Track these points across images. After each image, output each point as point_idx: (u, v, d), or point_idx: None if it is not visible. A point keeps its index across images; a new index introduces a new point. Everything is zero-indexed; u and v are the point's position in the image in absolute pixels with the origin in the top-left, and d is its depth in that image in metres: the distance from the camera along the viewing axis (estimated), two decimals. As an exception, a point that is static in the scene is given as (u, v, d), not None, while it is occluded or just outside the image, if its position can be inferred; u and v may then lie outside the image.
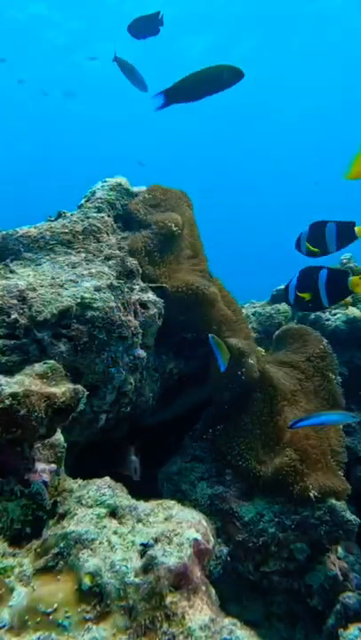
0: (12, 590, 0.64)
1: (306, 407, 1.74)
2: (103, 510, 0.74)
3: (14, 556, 0.71)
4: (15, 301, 1.24)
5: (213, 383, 1.70)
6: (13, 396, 0.75)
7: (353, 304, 2.38)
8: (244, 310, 2.73)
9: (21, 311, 1.23)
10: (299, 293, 1.41)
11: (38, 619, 0.59)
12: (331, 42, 13.48)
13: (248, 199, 22.27)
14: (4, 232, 1.58)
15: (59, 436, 0.93)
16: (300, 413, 1.69)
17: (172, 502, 0.76)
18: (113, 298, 1.37)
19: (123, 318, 1.37)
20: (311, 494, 1.47)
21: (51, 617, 0.59)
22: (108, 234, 1.67)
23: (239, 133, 18.49)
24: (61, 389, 0.83)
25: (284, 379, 1.80)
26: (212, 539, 0.71)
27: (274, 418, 1.66)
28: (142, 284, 1.58)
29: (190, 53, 13.64)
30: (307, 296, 1.40)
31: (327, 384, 1.83)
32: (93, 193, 1.84)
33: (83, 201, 1.83)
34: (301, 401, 1.76)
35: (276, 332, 2.10)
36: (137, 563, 0.64)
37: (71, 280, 1.38)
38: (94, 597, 0.61)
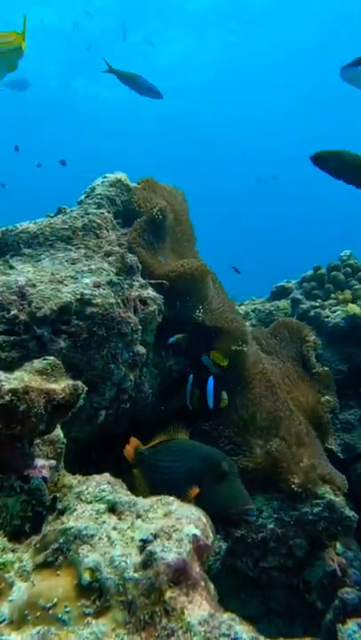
0: (11, 585, 0.64)
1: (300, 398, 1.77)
2: (102, 506, 0.74)
3: (14, 551, 0.71)
4: (15, 297, 1.24)
5: None
6: (13, 392, 0.75)
7: (353, 301, 2.38)
8: (243, 307, 2.73)
9: (21, 307, 1.23)
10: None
11: (38, 613, 0.60)
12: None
13: (248, 198, 22.23)
14: (3, 228, 1.58)
15: (58, 432, 0.93)
16: (298, 404, 1.70)
17: (172, 498, 0.76)
18: (113, 294, 1.37)
19: (122, 315, 1.37)
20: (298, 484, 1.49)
21: (50, 612, 0.59)
22: (107, 230, 1.66)
23: (239, 128, 18.42)
24: (61, 385, 0.83)
25: (274, 368, 1.83)
26: (211, 535, 0.71)
27: (270, 410, 1.67)
28: (142, 281, 1.58)
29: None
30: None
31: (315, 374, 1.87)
32: (93, 189, 1.84)
33: (82, 197, 1.83)
34: (293, 391, 1.79)
35: (270, 326, 2.11)
36: (136, 558, 0.64)
37: (71, 276, 1.38)
38: (94, 592, 0.61)
